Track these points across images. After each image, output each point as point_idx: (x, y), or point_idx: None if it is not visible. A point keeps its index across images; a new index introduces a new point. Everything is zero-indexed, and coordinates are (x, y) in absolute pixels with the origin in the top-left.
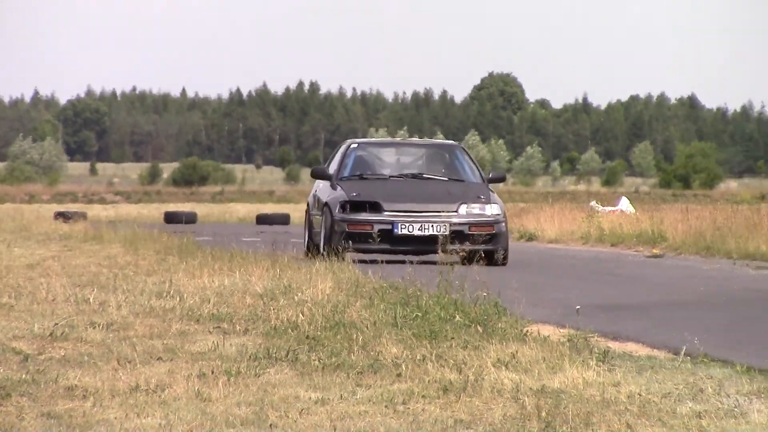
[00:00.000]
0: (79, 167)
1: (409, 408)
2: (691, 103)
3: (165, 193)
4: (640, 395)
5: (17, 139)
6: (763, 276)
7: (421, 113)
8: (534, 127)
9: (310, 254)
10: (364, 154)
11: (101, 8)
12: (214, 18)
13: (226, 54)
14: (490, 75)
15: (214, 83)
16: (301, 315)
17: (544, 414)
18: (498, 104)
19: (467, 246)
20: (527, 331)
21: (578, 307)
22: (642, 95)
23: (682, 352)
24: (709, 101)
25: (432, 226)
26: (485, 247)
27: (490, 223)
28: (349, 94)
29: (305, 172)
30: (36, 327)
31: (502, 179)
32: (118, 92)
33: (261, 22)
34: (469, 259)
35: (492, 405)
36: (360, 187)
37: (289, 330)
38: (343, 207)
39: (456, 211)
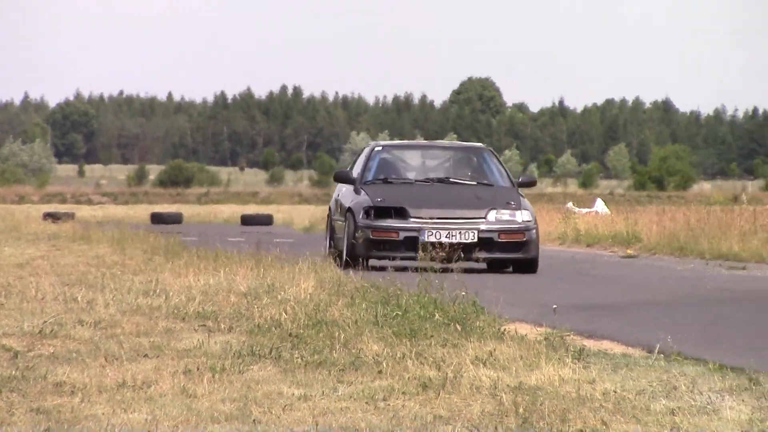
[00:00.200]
0: (68, 169)
1: (389, 404)
2: (665, 107)
3: (151, 194)
4: (614, 392)
5: (7, 141)
6: (735, 276)
7: (402, 117)
8: (512, 131)
9: (331, 261)
10: (389, 157)
11: (90, 15)
12: (200, 23)
13: (211, 58)
14: (469, 79)
15: (199, 87)
16: (284, 313)
17: (521, 410)
18: (476, 108)
19: (496, 254)
20: (505, 329)
21: (555, 306)
22: (617, 99)
23: (656, 351)
24: (683, 105)
25: (460, 233)
26: (515, 255)
27: (520, 230)
28: (331, 98)
29: (288, 174)
30: (25, 325)
31: (532, 183)
32: (106, 96)
33: (245, 27)
34: (495, 266)
35: (470, 401)
36: (385, 191)
37: (273, 328)
38: (367, 213)
39: (485, 218)
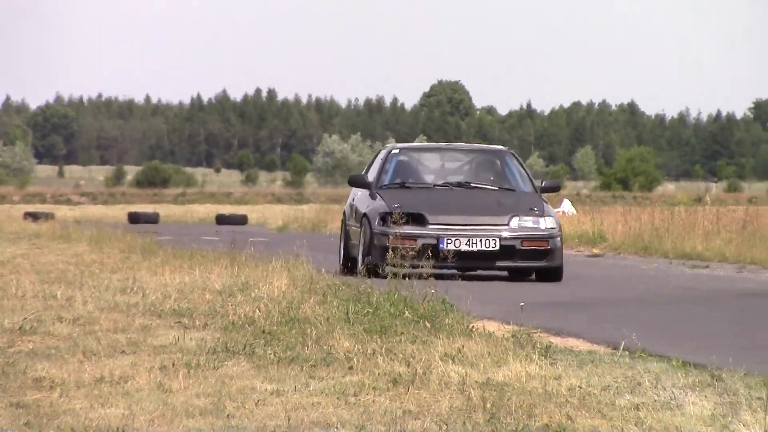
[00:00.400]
0: (48, 170)
1: (360, 399)
2: (631, 110)
3: (129, 194)
4: (580, 388)
5: None
6: (698, 275)
7: (374, 119)
8: (481, 133)
9: (346, 270)
10: (406, 160)
11: (69, 20)
12: (177, 28)
13: (188, 62)
14: (439, 83)
15: (176, 90)
16: (257, 311)
17: (489, 405)
18: (446, 111)
19: (519, 262)
20: (473, 326)
21: (522, 304)
22: (584, 102)
23: (621, 347)
24: (649, 108)
25: (481, 240)
26: (538, 263)
27: (544, 238)
28: (304, 100)
29: (263, 175)
30: (6, 321)
31: (556, 188)
32: (85, 99)
33: (221, 31)
34: (517, 274)
35: (439, 397)
36: (402, 197)
37: (246, 325)
38: (383, 219)
39: (507, 224)
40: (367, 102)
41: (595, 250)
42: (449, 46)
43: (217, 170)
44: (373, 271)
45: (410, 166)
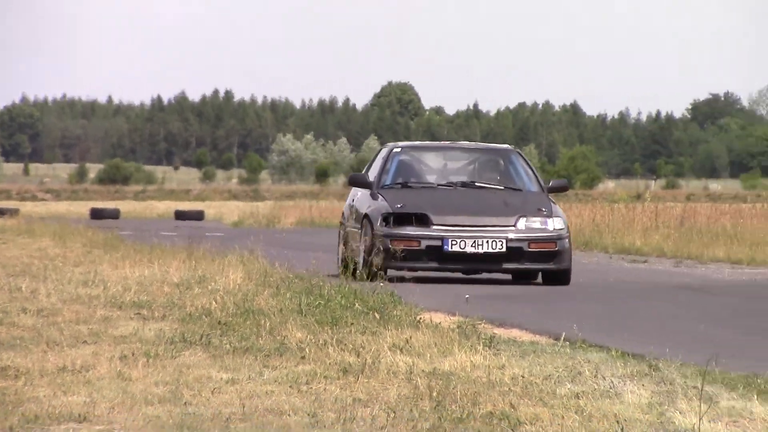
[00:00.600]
0: (14, 168)
1: (311, 388)
2: (573, 110)
3: (91, 191)
4: (523, 377)
5: None
6: (637, 269)
7: (326, 119)
8: (429, 132)
9: (346, 273)
10: (408, 159)
11: (34, 23)
12: (137, 31)
13: (149, 64)
14: (389, 84)
15: (137, 91)
16: (214, 302)
17: (435, 394)
18: (396, 111)
19: (526, 264)
20: (420, 318)
21: (467, 296)
22: (529, 102)
23: (562, 338)
24: (590, 109)
25: (487, 242)
26: (546, 266)
27: (552, 239)
28: (260, 101)
29: (220, 173)
30: None
31: (564, 188)
32: (50, 99)
33: (180, 33)
34: (521, 276)
35: (388, 385)
36: (404, 197)
37: (203, 316)
38: (386, 220)
39: (514, 225)
40: (321, 102)
41: None
42: (399, 48)
43: (176, 168)
44: (375, 274)
45: (412, 166)
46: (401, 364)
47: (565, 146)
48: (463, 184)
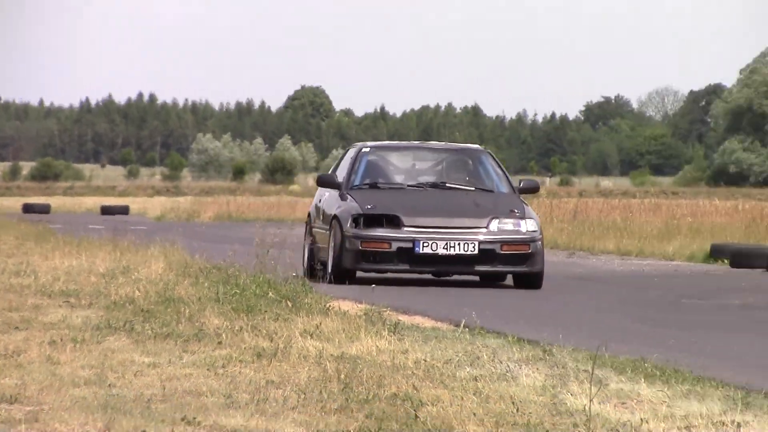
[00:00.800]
0: None
1: (227, 371)
2: (474, 112)
3: (24, 188)
4: (425, 361)
5: None
6: None
7: (243, 120)
8: (339, 133)
9: (311, 275)
10: (377, 160)
11: None
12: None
13: (77, 69)
14: (302, 87)
15: (67, 94)
16: (137, 291)
17: (342, 376)
18: (309, 113)
19: (498, 267)
20: (330, 306)
21: (373, 285)
22: (432, 105)
23: (462, 325)
24: (490, 110)
25: (459, 244)
26: (519, 269)
27: (525, 242)
28: (181, 103)
29: (144, 170)
30: None
31: (535, 189)
32: None
33: (107, 40)
34: (492, 279)
35: (299, 368)
36: (374, 198)
37: (127, 304)
38: (356, 221)
39: (486, 227)
40: (238, 105)
41: None
42: (313, 54)
43: (103, 166)
44: (345, 275)
45: (381, 166)
46: (311, 349)
47: None
48: (433, 185)
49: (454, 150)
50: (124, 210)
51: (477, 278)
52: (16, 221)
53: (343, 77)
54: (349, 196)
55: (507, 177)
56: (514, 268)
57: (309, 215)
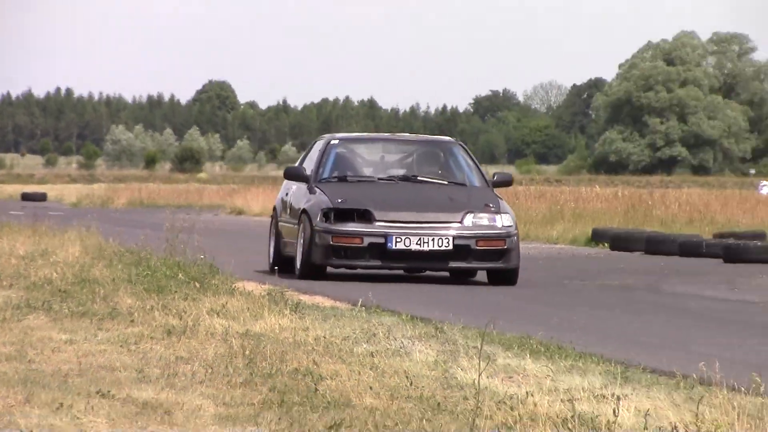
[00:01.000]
0: None
1: (139, 347)
2: (370, 104)
3: None
4: (324, 338)
5: None
6: None
7: (154, 112)
8: (244, 124)
9: (278, 270)
10: (345, 152)
11: None
12: None
13: None
14: (210, 81)
15: None
16: (55, 273)
17: (247, 352)
18: (216, 105)
19: (473, 263)
20: (235, 286)
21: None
22: (331, 98)
23: (359, 304)
24: (385, 103)
25: (432, 239)
26: (494, 265)
27: (501, 237)
28: (96, 96)
29: (61, 159)
30: None
31: (509, 182)
32: None
33: (27, 36)
34: (463, 275)
35: (206, 345)
36: (345, 191)
37: (45, 285)
38: (326, 215)
39: (460, 222)
40: (149, 98)
41: None
42: (219, 50)
43: (23, 155)
44: (314, 272)
45: (350, 159)
46: (218, 327)
47: None
48: (405, 178)
49: (424, 142)
50: (42, 197)
51: (447, 274)
52: None
53: (248, 72)
54: (318, 190)
55: (480, 170)
56: (490, 264)
57: (274, 209)
